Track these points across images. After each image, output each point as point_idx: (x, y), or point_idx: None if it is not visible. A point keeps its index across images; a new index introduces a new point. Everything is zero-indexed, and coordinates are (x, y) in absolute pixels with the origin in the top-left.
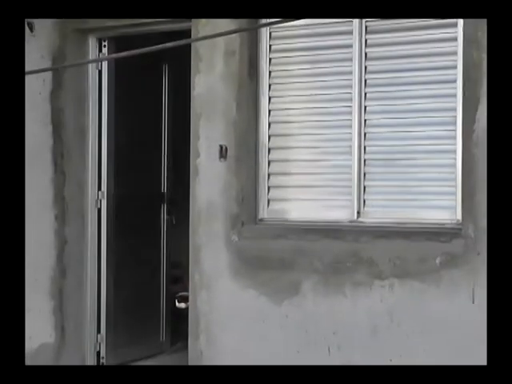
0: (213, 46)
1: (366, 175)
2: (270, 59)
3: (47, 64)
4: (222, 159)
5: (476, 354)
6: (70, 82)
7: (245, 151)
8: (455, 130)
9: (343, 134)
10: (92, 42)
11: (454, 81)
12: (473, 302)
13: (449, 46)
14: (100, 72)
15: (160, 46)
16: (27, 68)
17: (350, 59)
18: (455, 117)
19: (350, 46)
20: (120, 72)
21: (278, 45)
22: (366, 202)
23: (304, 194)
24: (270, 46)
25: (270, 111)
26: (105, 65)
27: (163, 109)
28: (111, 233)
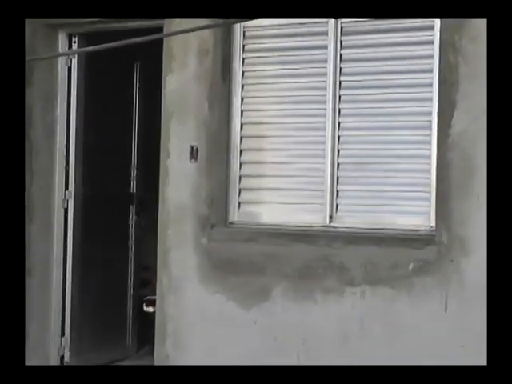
0: (186, 44)
1: (340, 179)
2: (243, 59)
3: None
4: (192, 160)
5: (448, 362)
6: (38, 80)
7: (216, 152)
8: (430, 135)
9: (317, 137)
10: (62, 38)
11: (430, 84)
12: (445, 311)
13: (425, 49)
14: (70, 69)
15: (128, 41)
16: None
17: (325, 60)
18: (430, 121)
19: (325, 47)
20: (90, 70)
21: (251, 44)
22: (339, 207)
23: (276, 196)
24: (244, 45)
25: (242, 112)
26: (74, 62)
27: (134, 108)
28: (78, 233)
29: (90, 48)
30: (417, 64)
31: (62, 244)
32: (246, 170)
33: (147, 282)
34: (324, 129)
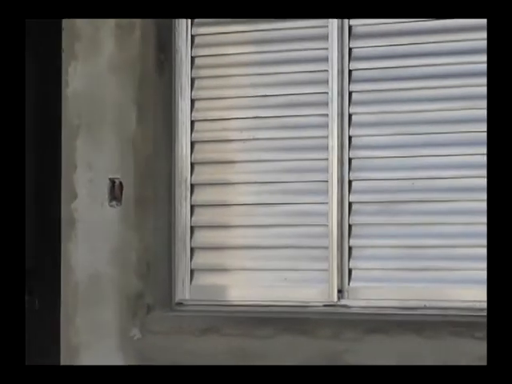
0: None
1: (352, 228)
2: (192, 37)
3: None
4: (114, 202)
5: None
6: None
7: (152, 189)
8: None
9: (315, 161)
10: None
11: None
12: None
13: None
14: None
15: None
16: None
17: (326, 37)
18: None
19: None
20: None
21: None
22: (353, 274)
23: (249, 260)
24: None
25: (193, 122)
26: None
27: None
28: None
29: None
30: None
31: None
32: (200, 216)
33: None
34: (326, 148)
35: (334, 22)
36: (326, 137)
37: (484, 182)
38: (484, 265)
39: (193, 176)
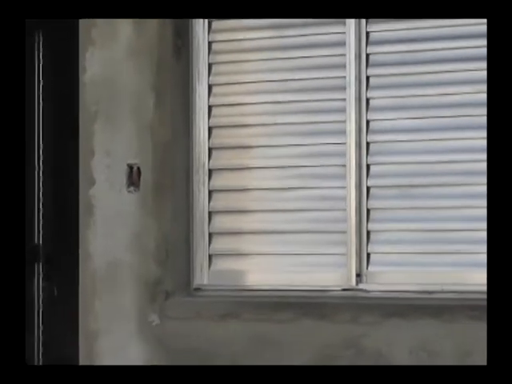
0: None
1: (371, 213)
2: (209, 22)
3: None
4: (131, 188)
5: None
6: None
7: (170, 175)
8: None
9: (332, 146)
10: None
11: None
12: None
13: None
14: None
15: None
16: None
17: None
18: None
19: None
20: None
21: None
22: (371, 258)
23: (268, 244)
24: None
25: (210, 108)
26: None
27: (36, 105)
28: None
29: None
30: None
31: None
32: (218, 201)
33: None
34: (344, 132)
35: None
36: (344, 121)
37: None
38: None
39: (210, 161)
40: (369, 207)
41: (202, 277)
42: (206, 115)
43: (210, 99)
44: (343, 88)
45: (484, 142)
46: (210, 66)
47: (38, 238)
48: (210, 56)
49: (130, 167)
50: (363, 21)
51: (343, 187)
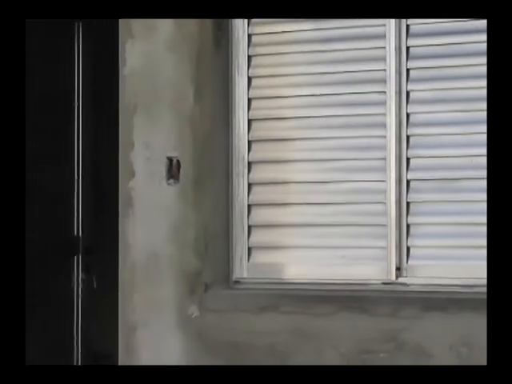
0: None
1: (411, 206)
2: None
3: None
4: (171, 181)
5: None
6: None
7: (209, 168)
8: None
9: (372, 139)
10: None
11: None
12: None
13: None
14: None
15: None
16: None
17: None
18: None
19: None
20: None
21: None
22: (411, 252)
23: (307, 237)
24: None
25: (250, 100)
26: None
27: (75, 96)
28: None
29: None
30: None
31: None
32: (258, 194)
33: None
34: (384, 125)
35: None
36: (384, 114)
37: None
38: None
39: (250, 154)
40: (409, 200)
41: (242, 269)
42: (246, 108)
43: (250, 92)
44: (383, 81)
45: None
46: (249, 58)
47: (78, 230)
48: (250, 48)
49: (170, 160)
50: None
51: (383, 180)
